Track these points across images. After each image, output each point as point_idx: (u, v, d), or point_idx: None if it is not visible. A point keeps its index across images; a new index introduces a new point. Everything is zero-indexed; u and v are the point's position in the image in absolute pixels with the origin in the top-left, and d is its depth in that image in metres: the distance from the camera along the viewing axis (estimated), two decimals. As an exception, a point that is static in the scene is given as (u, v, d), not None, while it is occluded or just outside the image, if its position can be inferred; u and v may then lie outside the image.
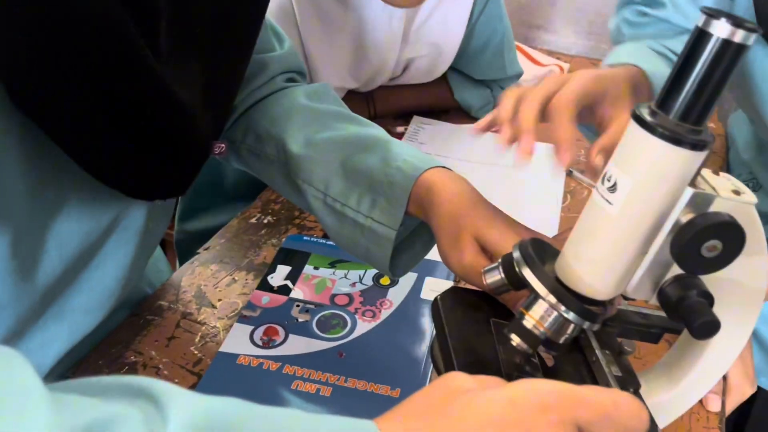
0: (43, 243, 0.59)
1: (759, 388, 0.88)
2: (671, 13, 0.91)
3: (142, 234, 0.69)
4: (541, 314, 0.49)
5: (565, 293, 0.48)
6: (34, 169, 0.54)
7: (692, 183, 0.45)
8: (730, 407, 0.80)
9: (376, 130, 0.77)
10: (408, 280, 0.90)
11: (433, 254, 0.88)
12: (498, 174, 1.09)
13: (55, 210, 0.58)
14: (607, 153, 0.64)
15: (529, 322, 0.49)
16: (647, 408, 0.44)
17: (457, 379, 0.46)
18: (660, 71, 0.80)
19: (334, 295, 0.86)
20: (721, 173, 0.49)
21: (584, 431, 0.41)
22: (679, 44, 0.85)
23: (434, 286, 0.88)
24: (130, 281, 0.73)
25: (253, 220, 1.00)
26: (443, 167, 0.71)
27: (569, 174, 1.14)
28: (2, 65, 0.47)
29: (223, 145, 0.70)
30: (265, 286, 0.86)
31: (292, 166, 0.74)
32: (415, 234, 0.74)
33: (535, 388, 0.42)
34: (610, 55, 0.89)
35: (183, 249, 1.32)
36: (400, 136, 1.22)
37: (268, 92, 0.82)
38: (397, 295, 0.87)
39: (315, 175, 0.73)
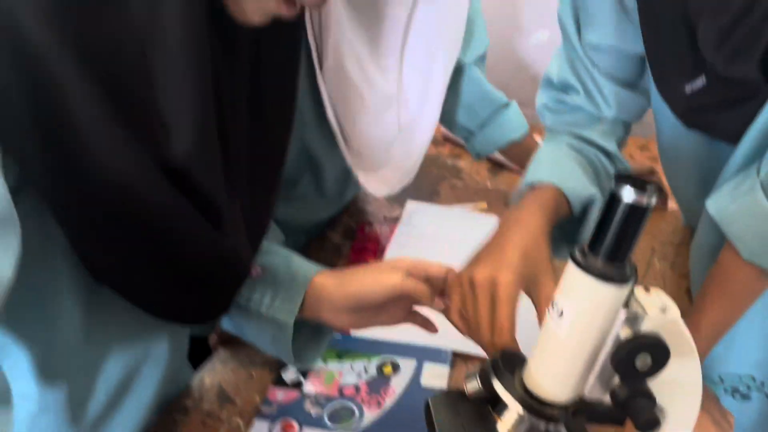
0: (94, 386, 0.62)
1: None
2: (584, 100, 0.93)
3: (176, 351, 0.73)
4: (513, 421, 0.54)
5: (529, 401, 0.53)
6: (86, 315, 0.57)
7: (626, 304, 0.51)
8: None
9: (271, 245, 0.81)
10: (408, 367, 0.91)
11: (431, 340, 0.88)
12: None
13: (104, 351, 0.62)
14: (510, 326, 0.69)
15: (503, 427, 0.54)
16: None
17: None
18: (578, 187, 0.84)
19: (342, 387, 0.87)
20: (653, 289, 0.54)
21: None
22: (594, 133, 0.91)
23: (433, 372, 0.90)
24: (166, 393, 0.77)
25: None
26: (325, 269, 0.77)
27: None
28: (78, 241, 0.51)
29: (259, 267, 0.74)
30: (279, 381, 0.87)
31: None
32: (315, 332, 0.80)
33: None
34: (531, 164, 0.90)
35: None
36: (395, 219, 1.23)
37: None
38: (399, 383, 0.87)
39: None
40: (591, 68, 0.90)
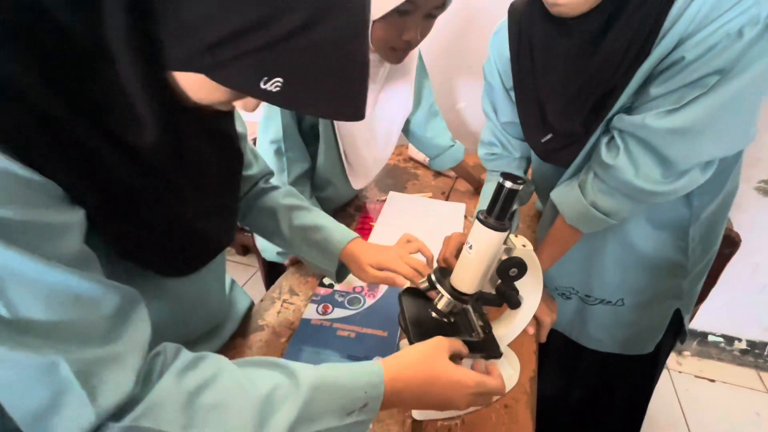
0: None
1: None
2: (502, 150, 0.84)
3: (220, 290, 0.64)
4: (444, 302, 0.53)
5: (453, 291, 0.52)
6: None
7: (505, 242, 0.50)
8: (545, 329, 0.78)
9: (320, 219, 0.69)
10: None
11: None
12: (434, 228, 1.04)
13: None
14: (450, 256, 0.67)
15: (440, 305, 0.53)
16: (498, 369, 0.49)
17: (441, 345, 0.45)
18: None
19: (354, 287, 0.84)
20: (519, 236, 0.54)
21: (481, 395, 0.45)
22: (512, 169, 0.83)
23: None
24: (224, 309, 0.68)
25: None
26: (356, 237, 0.67)
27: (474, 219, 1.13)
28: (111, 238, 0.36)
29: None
30: (322, 283, 0.84)
31: (284, 238, 0.69)
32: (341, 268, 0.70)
33: (460, 372, 0.45)
34: (481, 197, 0.84)
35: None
36: (383, 201, 1.14)
37: (255, 195, 0.71)
38: (384, 285, 0.83)
39: (294, 247, 0.68)
40: (504, 133, 0.81)
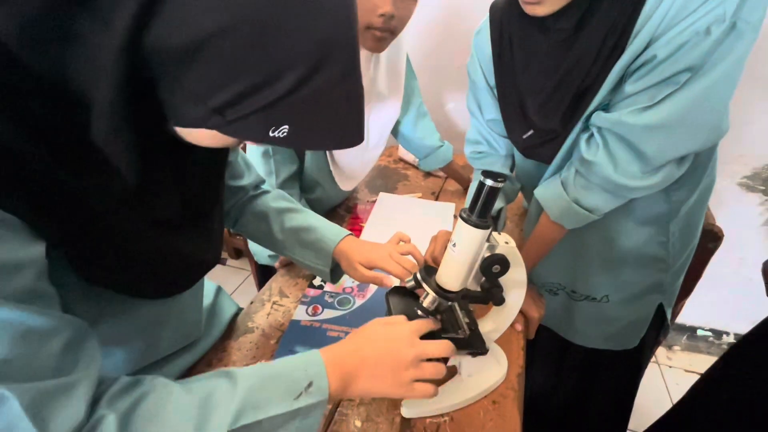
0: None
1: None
2: (488, 148, 0.83)
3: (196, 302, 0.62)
4: (430, 300, 0.53)
5: (438, 289, 0.52)
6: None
7: (488, 239, 0.51)
8: (534, 325, 0.78)
9: (312, 219, 0.70)
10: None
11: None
12: (424, 228, 1.03)
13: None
14: (438, 254, 0.68)
15: (425, 303, 0.53)
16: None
17: (375, 320, 0.48)
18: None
19: (344, 287, 0.84)
20: (502, 233, 0.54)
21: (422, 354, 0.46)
22: (497, 167, 0.83)
23: (391, 280, 0.80)
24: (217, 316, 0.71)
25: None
26: (348, 235, 0.68)
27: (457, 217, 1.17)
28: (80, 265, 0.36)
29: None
30: (311, 285, 0.85)
31: (276, 242, 0.69)
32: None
33: (405, 326, 0.47)
34: (468, 195, 0.84)
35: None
36: (373, 202, 1.14)
37: (246, 201, 0.71)
38: (374, 285, 0.79)
39: (287, 249, 0.69)
40: (490, 131, 0.81)
